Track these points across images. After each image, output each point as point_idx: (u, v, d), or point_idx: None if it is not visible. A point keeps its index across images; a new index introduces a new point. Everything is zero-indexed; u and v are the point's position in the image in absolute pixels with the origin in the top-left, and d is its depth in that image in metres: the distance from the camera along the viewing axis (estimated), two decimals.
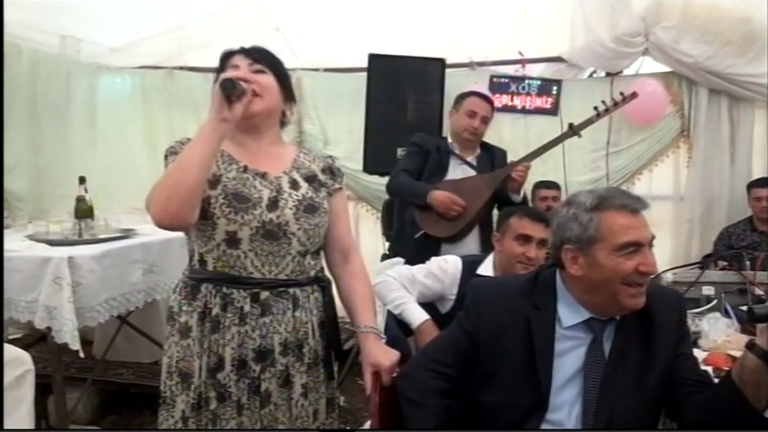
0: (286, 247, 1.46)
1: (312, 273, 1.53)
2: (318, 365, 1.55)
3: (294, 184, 1.51)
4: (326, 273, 1.61)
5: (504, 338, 1.36)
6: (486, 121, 2.96)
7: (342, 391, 3.42)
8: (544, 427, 1.34)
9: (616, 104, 3.13)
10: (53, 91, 3.93)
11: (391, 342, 1.67)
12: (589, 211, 1.30)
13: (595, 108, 3.11)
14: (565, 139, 3.10)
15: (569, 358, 1.34)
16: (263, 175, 1.49)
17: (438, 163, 2.94)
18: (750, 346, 1.17)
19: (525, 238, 2.09)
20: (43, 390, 2.56)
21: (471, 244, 2.86)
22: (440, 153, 2.96)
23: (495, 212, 2.95)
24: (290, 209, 1.46)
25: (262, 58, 1.50)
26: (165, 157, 1.47)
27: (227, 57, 1.52)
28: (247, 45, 1.53)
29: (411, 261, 2.37)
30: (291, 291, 1.48)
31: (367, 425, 2.53)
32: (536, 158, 3.01)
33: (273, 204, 1.45)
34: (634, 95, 3.17)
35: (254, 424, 1.46)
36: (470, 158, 2.97)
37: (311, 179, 1.55)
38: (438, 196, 2.78)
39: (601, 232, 1.28)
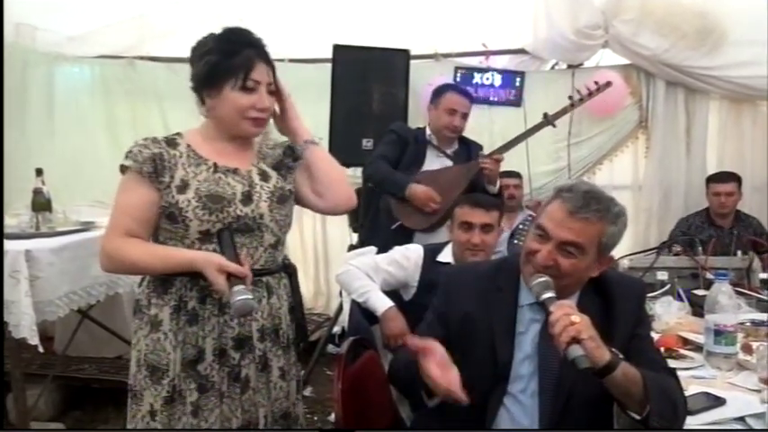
0: (259, 239, 1.49)
1: (280, 260, 1.57)
2: (290, 348, 1.59)
3: (264, 176, 1.53)
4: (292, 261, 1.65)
5: (470, 319, 1.44)
6: (466, 117, 2.99)
7: (310, 381, 3.45)
8: (507, 400, 1.41)
9: (590, 94, 3.14)
10: (8, 81, 3.78)
11: (355, 329, 1.70)
12: (553, 191, 1.42)
13: (570, 98, 3.12)
14: (540, 129, 3.11)
15: (528, 336, 1.42)
16: (235, 171, 1.50)
17: (415, 154, 2.95)
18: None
19: (467, 225, 2.15)
20: (2, 387, 2.51)
21: (444, 235, 2.88)
22: (417, 144, 2.98)
23: None
24: (265, 201, 1.50)
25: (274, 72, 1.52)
26: (126, 165, 1.45)
27: (248, 60, 1.46)
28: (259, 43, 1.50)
29: (384, 250, 2.38)
30: (265, 279, 1.52)
31: (333, 416, 2.55)
32: (509, 150, 3.02)
33: (248, 198, 1.47)
34: (608, 84, 3.17)
35: (234, 410, 1.48)
36: (448, 151, 2.99)
37: (278, 166, 1.58)
38: (416, 191, 2.78)
39: (542, 210, 1.41)
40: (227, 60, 1.44)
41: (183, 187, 1.44)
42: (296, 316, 1.60)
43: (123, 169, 1.47)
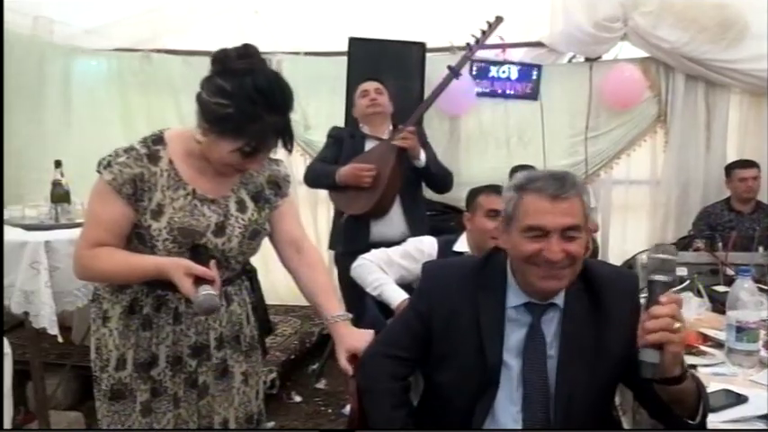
0: (225, 265, 1.49)
1: (239, 268, 1.56)
2: (256, 349, 1.59)
3: (241, 206, 1.49)
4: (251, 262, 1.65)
5: (455, 318, 1.36)
6: (380, 92, 3.02)
7: (323, 374, 3.46)
8: (494, 404, 1.34)
9: (484, 33, 3.15)
10: (26, 73, 3.84)
11: (371, 324, 1.69)
12: (514, 190, 1.31)
13: (467, 44, 3.15)
14: (448, 83, 3.12)
15: (514, 338, 1.34)
16: (212, 201, 1.46)
17: (352, 148, 3.01)
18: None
19: (495, 213, 2.13)
20: (21, 376, 2.54)
21: (396, 220, 2.93)
22: (353, 139, 3.04)
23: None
24: (237, 236, 1.47)
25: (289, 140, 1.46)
26: (101, 169, 1.39)
27: (262, 133, 1.35)
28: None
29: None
30: (224, 289, 1.51)
31: (348, 408, 2.56)
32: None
33: (220, 231, 1.45)
34: (499, 20, 3.15)
35: (191, 415, 1.50)
36: (384, 136, 3.01)
37: (257, 197, 1.53)
38: (344, 171, 2.87)
39: (517, 211, 1.30)
40: (242, 122, 1.32)
41: (158, 213, 1.40)
42: (258, 315, 1.60)
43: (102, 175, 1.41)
